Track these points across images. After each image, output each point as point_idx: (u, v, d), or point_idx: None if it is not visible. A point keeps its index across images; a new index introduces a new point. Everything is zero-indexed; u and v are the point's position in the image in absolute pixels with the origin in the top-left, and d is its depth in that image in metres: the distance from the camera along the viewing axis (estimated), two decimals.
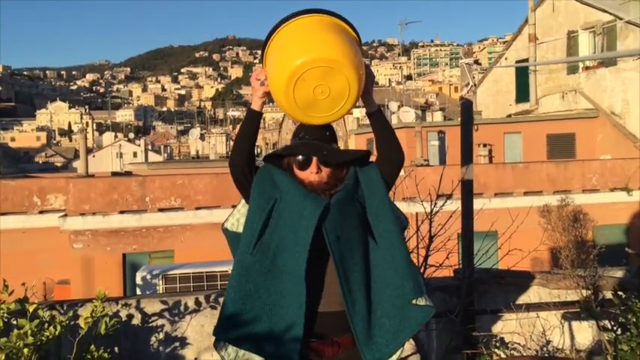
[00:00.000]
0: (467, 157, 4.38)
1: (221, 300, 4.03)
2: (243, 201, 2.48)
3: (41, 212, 13.92)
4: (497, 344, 4.01)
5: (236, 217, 2.51)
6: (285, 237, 2.29)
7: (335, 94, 2.19)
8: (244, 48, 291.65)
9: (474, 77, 4.22)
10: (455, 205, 4.29)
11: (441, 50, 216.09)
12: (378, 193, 2.38)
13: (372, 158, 2.50)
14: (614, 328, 3.90)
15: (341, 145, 2.70)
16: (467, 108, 4.40)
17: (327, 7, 2.31)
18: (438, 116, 32.86)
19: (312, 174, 2.35)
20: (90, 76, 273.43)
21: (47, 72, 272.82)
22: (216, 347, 2.35)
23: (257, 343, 2.28)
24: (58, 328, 3.49)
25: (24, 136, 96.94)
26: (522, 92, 22.77)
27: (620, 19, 18.41)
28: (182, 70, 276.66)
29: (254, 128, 2.40)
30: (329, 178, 2.37)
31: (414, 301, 2.31)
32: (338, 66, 2.13)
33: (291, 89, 2.16)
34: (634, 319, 3.73)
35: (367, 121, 2.53)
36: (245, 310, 2.29)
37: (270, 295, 2.29)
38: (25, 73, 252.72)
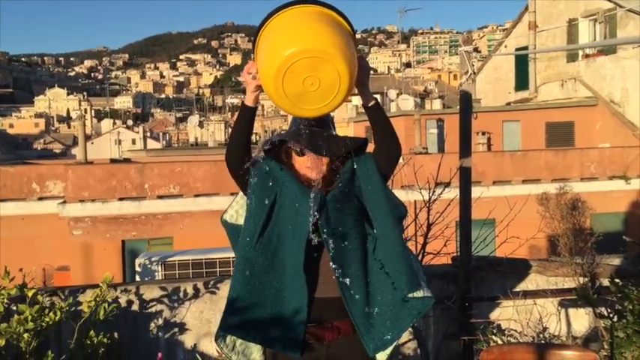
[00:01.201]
0: (465, 150, 4.36)
1: (220, 286, 4.06)
2: (241, 192, 2.49)
3: (40, 199, 13.94)
4: (494, 331, 4.04)
5: (235, 208, 2.53)
6: (284, 231, 2.33)
7: (325, 86, 2.12)
8: (243, 35, 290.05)
9: (473, 65, 4.21)
10: (453, 192, 4.30)
11: (440, 38, 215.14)
12: (374, 186, 2.38)
13: (370, 147, 2.49)
14: (611, 315, 3.93)
15: None
16: (466, 99, 4.38)
17: None
18: (437, 104, 32.85)
19: (309, 159, 2.35)
20: (88, 63, 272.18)
21: (45, 58, 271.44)
22: (216, 339, 2.40)
23: (262, 333, 2.33)
24: (58, 313, 3.52)
25: (22, 122, 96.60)
26: (521, 80, 22.72)
27: (621, 6, 18.33)
28: (181, 57, 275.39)
29: (248, 123, 2.38)
30: (327, 168, 2.37)
31: (409, 295, 2.34)
32: (327, 56, 2.07)
33: (280, 81, 2.10)
34: (630, 307, 3.76)
35: None
36: (251, 304, 2.33)
37: (273, 287, 2.33)
38: (23, 59, 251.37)
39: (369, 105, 2.39)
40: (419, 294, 2.36)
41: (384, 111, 2.46)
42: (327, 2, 2.22)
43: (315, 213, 2.27)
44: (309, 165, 2.35)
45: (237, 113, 2.49)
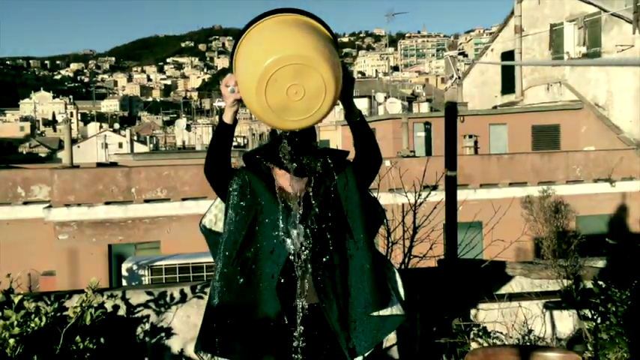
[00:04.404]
0: (451, 161, 4.37)
1: (207, 290, 4.05)
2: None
3: (25, 203, 13.82)
4: (480, 333, 4.07)
5: (214, 212, 2.54)
6: (261, 250, 2.34)
7: (310, 94, 2.03)
8: (230, 38, 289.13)
9: (458, 70, 4.25)
10: (440, 195, 4.33)
11: (427, 41, 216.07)
12: (352, 200, 2.40)
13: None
14: (594, 317, 3.97)
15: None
16: (451, 111, 4.37)
17: (306, 4, 2.24)
18: (424, 107, 33.01)
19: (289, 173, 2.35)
20: (74, 66, 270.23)
21: (31, 61, 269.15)
22: (196, 351, 2.42)
23: (238, 347, 2.35)
24: (44, 319, 3.50)
25: (7, 126, 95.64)
26: (508, 84, 22.87)
27: (605, 10, 18.53)
28: (168, 60, 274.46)
29: (227, 141, 2.33)
30: (307, 181, 2.37)
31: (374, 314, 2.38)
32: (310, 62, 1.98)
33: (262, 92, 2.00)
34: (613, 309, 3.80)
35: None
36: (228, 319, 2.35)
37: (248, 302, 2.34)
38: (8, 62, 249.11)
39: (355, 120, 2.34)
40: (386, 312, 2.40)
41: (368, 125, 2.42)
42: (306, 10, 2.17)
43: (296, 235, 2.28)
44: (289, 177, 2.35)
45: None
